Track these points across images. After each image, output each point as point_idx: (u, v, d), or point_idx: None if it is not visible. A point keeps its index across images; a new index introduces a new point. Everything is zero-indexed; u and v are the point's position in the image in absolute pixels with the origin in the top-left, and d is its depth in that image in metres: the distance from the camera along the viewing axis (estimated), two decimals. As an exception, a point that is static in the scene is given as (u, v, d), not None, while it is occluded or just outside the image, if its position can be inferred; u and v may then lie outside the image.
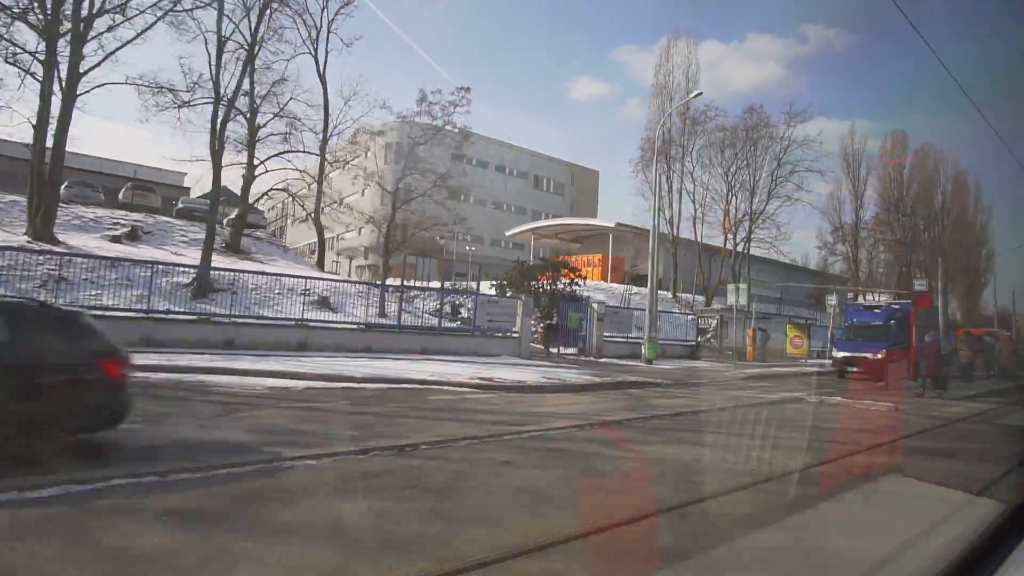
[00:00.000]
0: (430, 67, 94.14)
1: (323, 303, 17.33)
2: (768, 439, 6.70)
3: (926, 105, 74.41)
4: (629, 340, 21.29)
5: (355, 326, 15.66)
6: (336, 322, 15.54)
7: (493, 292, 26.70)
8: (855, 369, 15.27)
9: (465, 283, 31.14)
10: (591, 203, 62.87)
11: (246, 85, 22.70)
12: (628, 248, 35.75)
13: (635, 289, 29.09)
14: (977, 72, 64.51)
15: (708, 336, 22.45)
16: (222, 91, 16.57)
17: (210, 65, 16.20)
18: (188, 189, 32.96)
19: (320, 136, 24.14)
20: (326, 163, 23.69)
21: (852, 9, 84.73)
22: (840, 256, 42.38)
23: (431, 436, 5.52)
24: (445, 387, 10.07)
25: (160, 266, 15.58)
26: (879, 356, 14.90)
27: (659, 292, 32.58)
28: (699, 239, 31.07)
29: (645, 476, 4.54)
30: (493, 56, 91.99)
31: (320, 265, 24.96)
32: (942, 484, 4.63)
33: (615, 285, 28.05)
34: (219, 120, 16.60)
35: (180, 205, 24.32)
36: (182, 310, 14.44)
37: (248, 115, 22.48)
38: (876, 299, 16.84)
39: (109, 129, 77.59)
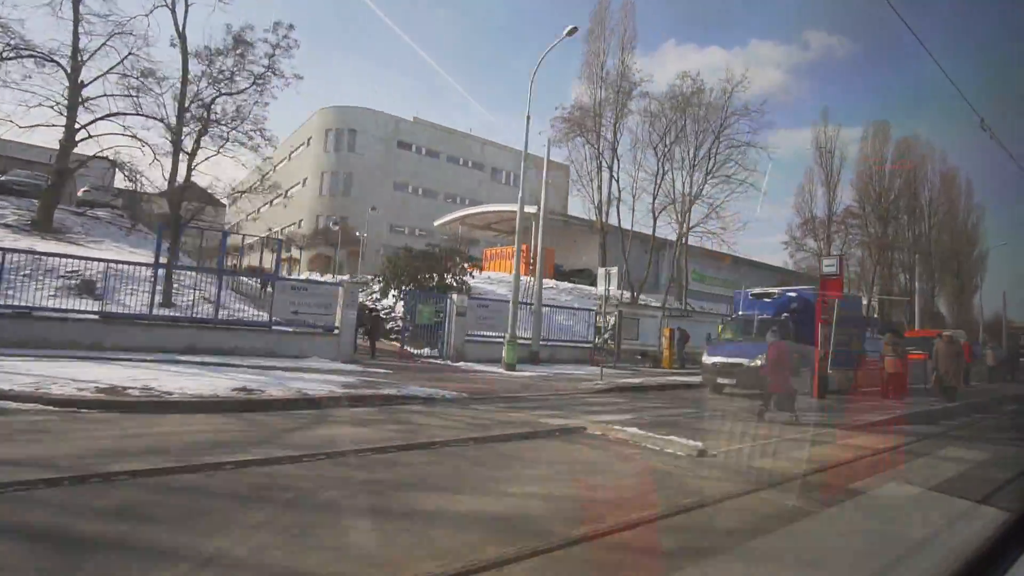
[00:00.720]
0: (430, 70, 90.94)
1: (86, 288, 13.86)
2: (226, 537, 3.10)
3: (928, 110, 70.60)
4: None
5: (88, 316, 12.10)
6: (63, 310, 11.99)
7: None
8: (728, 381, 11.13)
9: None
10: (560, 198, 59.04)
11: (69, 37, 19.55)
12: (564, 239, 32.30)
13: (549, 283, 25.44)
14: (979, 77, 60.78)
15: (605, 337, 18.75)
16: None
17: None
18: (77, 172, 29.31)
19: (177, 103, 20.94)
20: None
21: (854, 15, 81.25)
22: (810, 252, 38.43)
23: None
24: (17, 402, 6.57)
25: None
26: (757, 363, 10.36)
27: (586, 288, 28.91)
28: (621, 224, 27.35)
29: None
30: (492, 59, 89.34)
31: (173, 251, 21.47)
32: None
33: (527, 278, 24.38)
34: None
35: (3, 178, 20.98)
36: None
37: (69, 71, 19.26)
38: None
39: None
